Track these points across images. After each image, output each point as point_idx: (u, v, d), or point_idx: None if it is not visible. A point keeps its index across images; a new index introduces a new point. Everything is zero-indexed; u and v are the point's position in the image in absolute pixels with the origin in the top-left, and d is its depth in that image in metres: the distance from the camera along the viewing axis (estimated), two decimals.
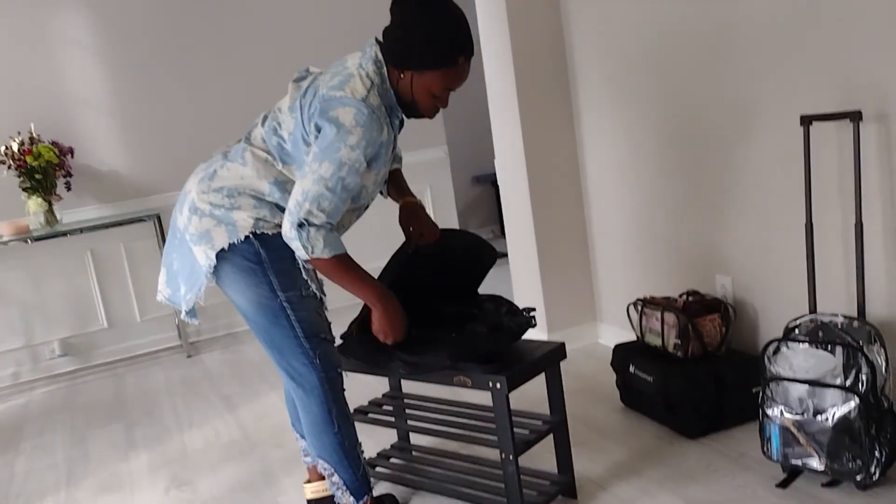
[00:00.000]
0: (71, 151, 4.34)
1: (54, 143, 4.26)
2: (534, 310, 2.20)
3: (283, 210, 2.03)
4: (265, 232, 2.02)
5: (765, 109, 2.52)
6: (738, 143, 2.66)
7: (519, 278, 3.72)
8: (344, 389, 2.14)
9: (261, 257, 2.02)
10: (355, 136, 1.87)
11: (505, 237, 3.82)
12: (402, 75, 1.95)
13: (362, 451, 2.19)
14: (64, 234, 4.23)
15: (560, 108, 3.51)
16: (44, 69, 4.39)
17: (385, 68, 1.96)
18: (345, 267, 1.98)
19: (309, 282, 2.06)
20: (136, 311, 4.65)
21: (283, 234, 1.96)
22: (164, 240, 4.48)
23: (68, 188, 4.37)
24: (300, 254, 1.94)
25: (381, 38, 1.99)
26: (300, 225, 1.90)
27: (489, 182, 6.51)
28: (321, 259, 1.94)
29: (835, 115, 2.22)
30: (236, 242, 2.01)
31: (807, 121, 2.29)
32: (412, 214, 2.25)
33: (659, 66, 2.96)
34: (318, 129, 1.92)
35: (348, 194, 1.94)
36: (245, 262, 2.03)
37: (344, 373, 2.15)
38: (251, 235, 2.01)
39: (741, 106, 2.61)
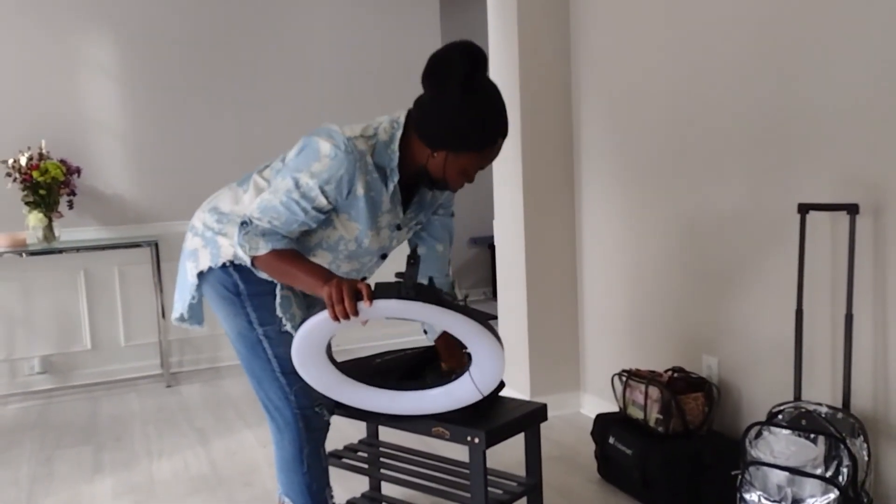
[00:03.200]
0: (78, 171, 4.37)
1: (63, 162, 4.29)
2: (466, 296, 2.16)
3: None
4: (244, 263, 1.96)
5: (763, 196, 2.56)
6: (735, 226, 2.69)
7: (506, 341, 3.71)
8: (323, 429, 2.07)
9: (238, 289, 1.99)
10: (319, 166, 1.82)
11: (496, 299, 3.82)
12: (434, 154, 1.85)
13: (332, 497, 2.12)
14: (60, 251, 4.23)
15: (562, 180, 3.56)
16: (63, 88, 4.46)
17: (401, 132, 1.88)
18: (288, 258, 1.85)
19: (284, 320, 1.99)
20: (121, 335, 4.61)
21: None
22: (159, 267, 4.49)
23: (70, 207, 4.39)
24: (241, 255, 1.87)
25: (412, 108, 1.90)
26: (243, 223, 1.86)
27: (486, 245, 6.54)
28: (260, 256, 1.85)
29: (832, 205, 2.26)
30: (214, 267, 2.00)
31: (804, 209, 2.33)
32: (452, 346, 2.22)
33: (662, 149, 3.01)
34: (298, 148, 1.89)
35: (300, 219, 1.86)
36: (224, 291, 2.00)
37: (325, 413, 2.08)
38: (229, 265, 1.99)
39: (740, 191, 2.66)
